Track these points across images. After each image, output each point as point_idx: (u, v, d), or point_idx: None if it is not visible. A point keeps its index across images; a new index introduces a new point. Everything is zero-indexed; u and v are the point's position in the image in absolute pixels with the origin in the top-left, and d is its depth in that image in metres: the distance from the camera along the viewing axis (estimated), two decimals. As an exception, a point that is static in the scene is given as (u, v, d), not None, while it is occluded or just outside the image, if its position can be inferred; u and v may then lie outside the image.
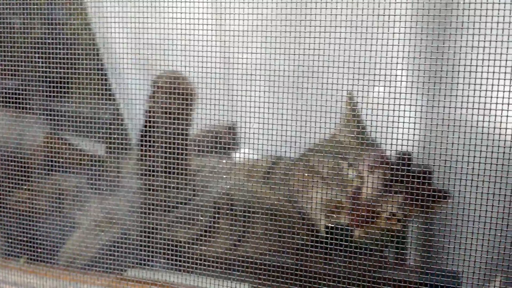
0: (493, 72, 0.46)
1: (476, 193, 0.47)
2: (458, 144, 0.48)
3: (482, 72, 0.46)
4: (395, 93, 0.50)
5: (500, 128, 0.46)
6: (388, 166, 0.59)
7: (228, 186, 0.69)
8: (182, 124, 0.66)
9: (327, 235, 0.57)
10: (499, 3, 0.45)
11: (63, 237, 0.72)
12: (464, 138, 0.48)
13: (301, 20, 0.53)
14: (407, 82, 0.52)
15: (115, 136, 0.67)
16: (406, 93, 0.52)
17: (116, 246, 0.68)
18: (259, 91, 0.57)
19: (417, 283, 0.55)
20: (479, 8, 0.45)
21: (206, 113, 0.62)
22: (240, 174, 0.71)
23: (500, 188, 0.47)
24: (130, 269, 0.70)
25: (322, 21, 0.51)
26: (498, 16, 0.45)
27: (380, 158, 0.60)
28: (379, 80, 0.51)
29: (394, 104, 0.50)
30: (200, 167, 0.73)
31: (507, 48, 0.45)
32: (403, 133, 0.51)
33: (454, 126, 0.48)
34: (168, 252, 0.66)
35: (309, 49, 0.53)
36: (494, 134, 0.47)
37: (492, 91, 0.46)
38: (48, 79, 0.68)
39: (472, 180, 0.47)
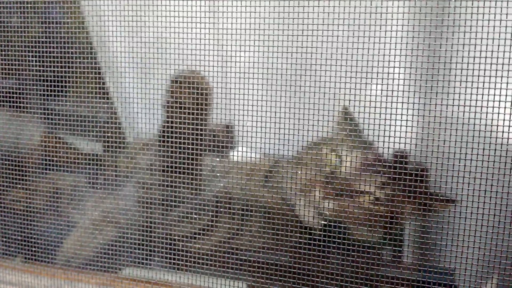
0: (485, 70, 0.46)
1: (468, 189, 0.47)
2: (450, 141, 0.48)
3: (473, 69, 0.46)
4: (387, 90, 0.50)
5: (491, 125, 0.46)
6: (381, 164, 0.59)
7: (223, 185, 0.69)
8: (199, 123, 0.66)
9: (321, 232, 0.57)
10: (490, 1, 0.45)
11: (59, 236, 0.73)
12: (456, 136, 0.48)
13: (296, 18, 0.53)
14: (399, 79, 0.53)
15: (111, 134, 0.67)
16: (398, 91, 0.52)
17: (113, 245, 0.68)
18: (255, 90, 0.57)
19: (412, 280, 0.56)
20: (470, 6, 0.46)
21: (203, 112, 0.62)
22: (238, 173, 0.71)
23: (491, 185, 0.47)
24: (125, 267, 0.70)
25: (317, 20, 0.51)
26: (489, 14, 0.45)
27: (374, 158, 0.60)
28: (373, 78, 0.51)
29: (387, 102, 0.50)
30: (201, 165, 0.73)
31: (498, 45, 0.45)
32: (395, 131, 0.52)
33: (446, 123, 0.48)
34: (164, 250, 0.66)
35: (304, 47, 0.53)
36: (486, 131, 0.47)
37: (483, 88, 0.46)
38: (44, 78, 0.68)
39: (464, 177, 0.47)
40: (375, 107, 0.51)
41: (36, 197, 0.74)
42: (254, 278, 0.61)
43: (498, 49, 0.45)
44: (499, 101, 0.46)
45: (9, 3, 0.68)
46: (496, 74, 0.46)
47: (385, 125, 0.50)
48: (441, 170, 0.49)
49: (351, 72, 0.51)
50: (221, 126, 0.71)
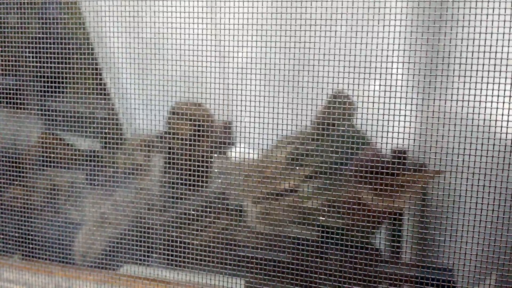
0: (483, 64, 0.46)
1: (467, 185, 0.47)
2: (449, 136, 0.48)
3: (472, 64, 0.46)
4: (385, 85, 0.50)
5: (490, 120, 0.46)
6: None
7: (221, 181, 0.69)
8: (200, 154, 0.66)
9: (320, 229, 0.57)
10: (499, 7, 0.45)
11: (57, 233, 0.73)
12: (455, 131, 0.48)
13: (295, 13, 0.53)
14: (397, 74, 0.52)
15: (108, 131, 0.67)
16: (396, 86, 0.52)
17: (111, 242, 0.68)
18: (253, 86, 0.57)
19: (411, 277, 0.56)
20: (469, 1, 0.45)
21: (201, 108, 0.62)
22: (235, 171, 0.71)
23: (490, 180, 0.47)
24: (124, 265, 0.70)
25: (315, 15, 0.51)
26: (487, 8, 0.45)
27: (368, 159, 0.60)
28: (372, 74, 0.51)
29: (385, 97, 0.50)
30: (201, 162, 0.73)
31: (497, 40, 0.45)
32: (393, 126, 0.51)
33: (444, 118, 0.48)
34: (162, 247, 0.66)
35: (303, 43, 0.53)
36: (484, 127, 0.47)
37: (482, 83, 0.46)
38: (41, 75, 0.68)
39: (462, 172, 0.47)
40: (374, 103, 0.51)
41: (34, 195, 0.74)
42: (252, 275, 0.61)
43: (497, 44, 0.45)
44: (498, 96, 0.46)
45: (7, 1, 0.68)
46: (494, 69, 0.46)
47: (383, 120, 0.50)
48: (440, 165, 0.48)
49: (349, 67, 0.51)
50: (220, 123, 0.71)
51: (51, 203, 0.75)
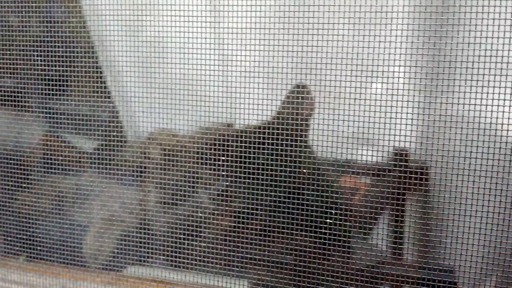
0: (489, 68, 0.46)
1: (473, 188, 0.48)
2: (455, 139, 0.48)
3: (478, 68, 0.46)
4: (392, 89, 0.51)
5: (496, 124, 0.47)
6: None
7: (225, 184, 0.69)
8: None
9: (325, 231, 0.57)
10: (495, 0, 0.45)
11: (63, 235, 0.73)
12: (461, 134, 0.48)
13: (299, 17, 0.53)
14: (404, 78, 0.53)
15: (111, 133, 0.67)
16: (403, 90, 0.52)
17: (117, 243, 0.68)
18: (257, 88, 0.58)
19: (414, 278, 0.56)
20: (475, 5, 0.46)
21: (204, 111, 0.62)
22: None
23: (496, 183, 0.47)
24: (129, 266, 0.71)
25: (321, 19, 0.52)
26: (494, 13, 0.45)
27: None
28: (378, 77, 0.51)
29: (391, 101, 0.50)
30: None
31: (503, 44, 0.45)
32: (400, 129, 0.52)
33: (451, 122, 0.49)
34: (168, 248, 0.66)
35: (308, 46, 0.53)
36: (490, 130, 0.47)
37: (488, 87, 0.46)
38: (45, 78, 0.68)
39: (469, 175, 0.47)
40: (380, 106, 0.52)
41: (36, 196, 0.74)
42: (257, 276, 0.62)
43: (503, 48, 0.45)
44: (504, 99, 0.46)
45: (10, 3, 0.68)
46: (501, 73, 0.46)
47: (390, 123, 0.51)
48: (446, 168, 0.49)
49: (356, 70, 0.52)
50: (222, 125, 0.71)
51: (56, 204, 0.75)
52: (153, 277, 0.69)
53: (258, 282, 0.62)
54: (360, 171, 0.62)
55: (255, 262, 0.62)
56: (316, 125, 0.56)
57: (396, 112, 0.50)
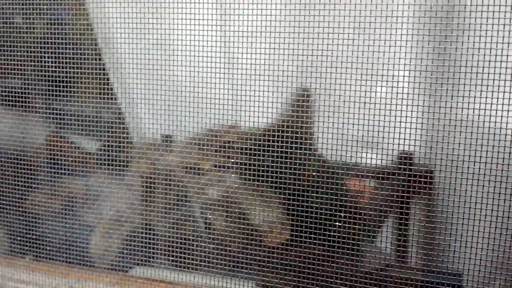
0: (499, 74, 0.46)
1: (483, 192, 0.48)
2: (465, 144, 0.48)
3: (488, 73, 0.47)
4: (402, 93, 0.51)
5: (506, 129, 0.47)
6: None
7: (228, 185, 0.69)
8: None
9: (334, 234, 0.58)
10: (505, 5, 0.46)
11: (69, 234, 0.73)
12: (471, 139, 0.48)
13: (305, 20, 0.53)
14: (414, 82, 0.53)
15: (116, 135, 0.67)
16: (413, 94, 0.53)
17: (124, 244, 0.68)
18: (264, 91, 0.58)
19: (420, 282, 0.56)
20: (486, 10, 0.46)
21: (209, 113, 0.62)
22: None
23: (506, 188, 0.47)
24: (136, 267, 0.71)
25: (324, 23, 0.52)
26: (504, 18, 0.46)
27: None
28: (386, 81, 0.51)
29: (401, 105, 0.51)
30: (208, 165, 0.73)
31: (502, 49, 0.46)
32: (409, 133, 0.52)
33: (461, 126, 0.49)
34: (174, 249, 0.66)
35: (311, 50, 0.54)
36: (500, 135, 0.47)
37: (498, 92, 0.47)
38: (51, 79, 0.68)
39: (478, 180, 0.48)
40: (389, 110, 0.52)
41: (44, 196, 0.75)
42: (265, 278, 0.62)
43: (502, 53, 0.46)
44: (503, 104, 0.47)
45: (17, 4, 0.68)
46: (511, 78, 0.46)
47: (400, 127, 0.51)
48: (456, 172, 0.49)
49: (361, 74, 0.52)
50: (227, 126, 0.72)
51: (64, 205, 0.75)
52: (160, 278, 0.69)
53: (265, 284, 0.62)
54: (366, 174, 0.62)
55: (262, 264, 0.62)
56: (323, 128, 0.56)
57: (406, 116, 0.51)
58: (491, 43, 0.46)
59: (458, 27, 0.48)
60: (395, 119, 0.51)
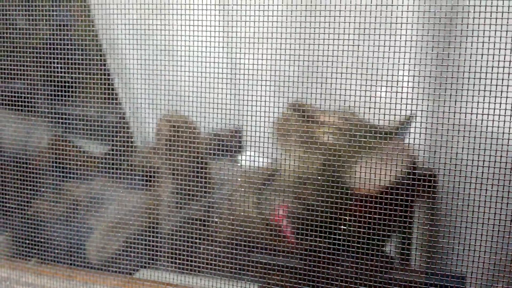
0: (502, 79, 0.47)
1: (485, 195, 0.49)
2: (468, 148, 0.49)
3: (491, 78, 0.47)
4: (406, 98, 0.52)
5: (509, 133, 0.48)
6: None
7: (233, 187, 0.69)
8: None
9: (337, 236, 0.58)
10: (508, 12, 0.46)
11: (75, 238, 0.73)
12: (474, 143, 0.49)
13: (310, 27, 0.54)
14: (418, 88, 0.54)
15: (120, 138, 0.67)
16: (417, 99, 0.53)
17: (129, 247, 0.69)
18: (266, 96, 0.58)
19: (423, 285, 0.57)
20: (488, 17, 0.47)
21: (213, 117, 0.63)
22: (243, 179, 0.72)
23: (509, 192, 0.48)
24: (141, 269, 0.71)
25: (332, 27, 0.52)
26: (507, 25, 0.46)
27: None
28: (391, 86, 0.52)
29: (405, 110, 0.51)
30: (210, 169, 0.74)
31: (504, 55, 0.47)
32: (413, 138, 0.53)
33: (464, 131, 0.50)
34: (178, 252, 0.67)
35: (315, 55, 0.54)
36: (503, 139, 0.48)
37: (501, 97, 0.47)
38: (55, 82, 0.68)
39: (481, 183, 0.48)
40: (389, 114, 0.52)
41: (49, 199, 0.75)
42: (270, 282, 0.62)
43: (504, 59, 0.47)
44: (505, 109, 0.48)
45: (21, 7, 0.68)
46: (502, 83, 0.47)
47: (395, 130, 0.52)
48: (459, 176, 0.50)
49: (365, 79, 0.53)
50: (229, 131, 0.72)
51: (69, 208, 0.75)
52: (165, 280, 0.69)
53: (269, 287, 0.63)
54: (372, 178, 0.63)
55: (267, 267, 0.63)
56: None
57: (410, 121, 0.51)
58: (493, 49, 0.47)
59: (461, 33, 0.49)
60: (399, 124, 0.51)
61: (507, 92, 0.47)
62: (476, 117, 0.49)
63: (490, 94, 0.48)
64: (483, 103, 0.48)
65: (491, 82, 0.47)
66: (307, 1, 0.55)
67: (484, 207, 0.49)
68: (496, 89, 0.48)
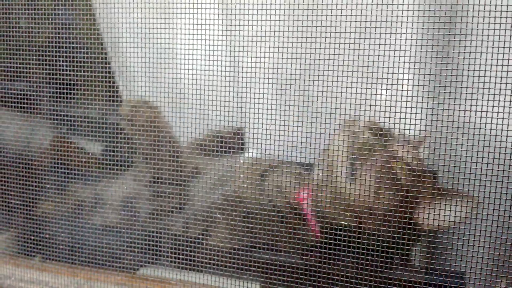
0: (501, 77, 0.48)
1: (484, 192, 0.49)
2: (467, 146, 0.50)
3: (490, 77, 0.48)
4: (406, 96, 0.52)
5: (508, 130, 0.48)
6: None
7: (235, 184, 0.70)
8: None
9: (337, 235, 0.58)
10: (507, 11, 0.47)
11: (78, 236, 0.73)
12: (473, 140, 0.50)
13: (312, 26, 0.54)
14: (418, 86, 0.54)
15: (121, 137, 0.68)
16: (417, 97, 0.54)
17: (131, 244, 0.69)
18: (267, 95, 0.59)
19: (423, 283, 0.57)
20: (488, 16, 0.47)
21: (215, 116, 0.63)
22: (247, 174, 0.73)
23: (507, 188, 0.49)
24: (142, 267, 0.71)
25: (333, 26, 0.53)
26: (506, 24, 0.47)
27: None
28: (391, 84, 0.52)
29: (405, 107, 0.52)
30: (208, 168, 0.74)
31: (503, 53, 0.47)
32: (413, 135, 0.53)
33: (463, 128, 0.50)
34: (180, 250, 0.67)
35: (316, 54, 0.55)
36: (501, 136, 0.49)
37: (500, 95, 0.48)
38: (57, 82, 0.69)
39: (480, 180, 0.49)
40: (389, 112, 0.53)
41: (53, 198, 0.75)
42: (270, 280, 0.63)
43: (503, 57, 0.47)
44: (504, 107, 0.48)
45: (23, 7, 0.68)
46: (501, 81, 0.48)
47: (404, 129, 0.52)
48: (459, 173, 0.50)
49: (366, 78, 0.53)
50: (231, 129, 0.72)
51: (73, 207, 0.76)
52: (166, 278, 0.69)
53: (270, 285, 0.63)
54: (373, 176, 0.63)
55: (268, 265, 0.63)
56: (329, 129, 0.57)
57: (410, 119, 0.52)
58: (493, 47, 0.48)
59: (461, 32, 0.49)
60: (399, 121, 0.52)
61: (506, 90, 0.48)
62: (476, 115, 0.49)
63: (489, 92, 0.48)
64: (482, 100, 0.48)
65: (490, 80, 0.48)
66: (309, 0, 0.55)
67: (483, 203, 0.50)
68: (495, 87, 0.48)
